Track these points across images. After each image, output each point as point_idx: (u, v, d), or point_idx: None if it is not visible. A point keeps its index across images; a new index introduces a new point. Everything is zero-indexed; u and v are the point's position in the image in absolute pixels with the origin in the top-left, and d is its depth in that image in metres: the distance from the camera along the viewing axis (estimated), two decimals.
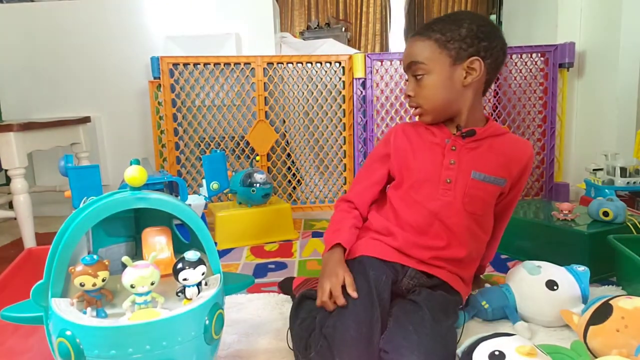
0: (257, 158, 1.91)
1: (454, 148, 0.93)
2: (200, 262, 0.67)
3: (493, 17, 3.45)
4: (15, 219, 1.56)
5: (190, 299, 0.66)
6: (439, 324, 0.80)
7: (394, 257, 0.91)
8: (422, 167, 0.94)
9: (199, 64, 1.90)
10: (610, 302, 0.82)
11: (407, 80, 0.97)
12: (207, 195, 1.51)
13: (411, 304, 0.84)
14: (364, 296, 0.80)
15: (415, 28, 5.03)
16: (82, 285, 0.63)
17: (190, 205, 1.18)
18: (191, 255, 0.67)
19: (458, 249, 0.92)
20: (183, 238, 0.88)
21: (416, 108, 0.95)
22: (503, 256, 1.35)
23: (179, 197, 1.29)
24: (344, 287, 0.83)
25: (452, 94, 0.92)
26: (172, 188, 1.40)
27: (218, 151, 1.54)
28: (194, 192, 1.47)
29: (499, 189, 0.93)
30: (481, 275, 1.13)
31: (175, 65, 1.90)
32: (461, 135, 0.93)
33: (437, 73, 0.90)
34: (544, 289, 0.92)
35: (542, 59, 1.97)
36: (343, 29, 4.90)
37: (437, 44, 0.90)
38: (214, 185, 1.49)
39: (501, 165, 0.93)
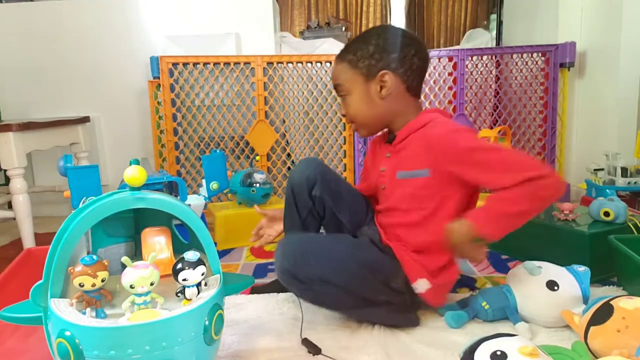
0: (257, 158, 1.90)
1: (388, 155, 1.03)
2: (199, 262, 0.66)
3: (493, 17, 3.44)
4: (14, 219, 1.56)
5: (190, 300, 0.66)
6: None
7: None
8: (373, 177, 1.08)
9: (198, 63, 1.90)
10: (611, 302, 0.81)
11: None
12: (206, 195, 1.50)
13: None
14: None
15: (416, 28, 5.03)
16: (81, 285, 0.63)
17: (189, 205, 1.18)
18: (191, 255, 0.66)
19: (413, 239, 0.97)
20: (183, 238, 0.87)
21: (350, 124, 1.05)
22: (504, 256, 1.35)
23: (178, 197, 1.29)
24: None
25: (375, 108, 0.99)
26: (171, 188, 1.40)
27: (218, 151, 1.54)
28: (194, 192, 1.47)
29: (426, 179, 0.94)
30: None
31: (175, 64, 1.89)
32: (386, 142, 1.04)
33: (355, 92, 0.99)
34: (544, 289, 0.92)
35: (542, 58, 1.96)
36: (343, 28, 4.89)
37: (350, 65, 0.98)
38: (214, 185, 1.48)
39: (420, 157, 0.95)
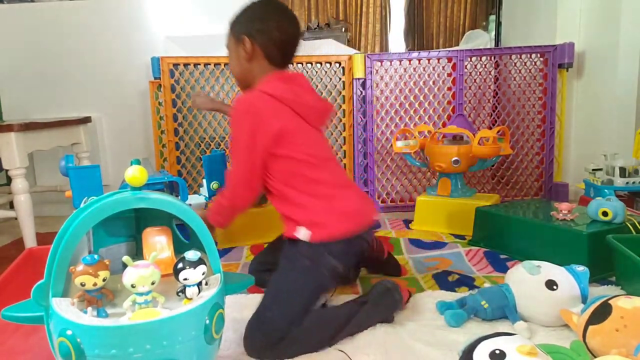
0: None
1: None
2: (200, 261, 0.67)
3: (492, 18, 3.44)
4: (15, 219, 1.57)
5: (191, 299, 0.67)
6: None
7: None
8: None
9: (199, 64, 1.90)
10: (610, 301, 0.82)
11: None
12: (207, 195, 1.50)
13: None
14: None
15: (415, 28, 5.03)
16: (82, 285, 0.63)
17: (190, 205, 1.18)
18: (191, 255, 0.67)
19: None
20: (183, 238, 0.88)
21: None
22: (502, 256, 1.35)
23: (179, 197, 1.30)
24: None
25: (242, 68, 1.12)
26: (172, 188, 1.41)
27: (218, 151, 1.55)
28: (194, 192, 1.48)
29: None
30: None
31: (176, 65, 1.90)
32: None
33: (230, 51, 1.13)
34: (543, 288, 0.93)
35: (541, 59, 1.97)
36: (343, 29, 4.90)
37: (230, 27, 1.14)
38: (214, 185, 1.49)
39: None
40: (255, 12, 1.11)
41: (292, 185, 1.03)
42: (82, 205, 0.71)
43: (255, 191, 1.06)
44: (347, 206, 1.03)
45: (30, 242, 1.56)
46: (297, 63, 1.97)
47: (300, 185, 1.03)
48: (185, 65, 1.90)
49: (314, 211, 1.01)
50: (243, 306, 1.07)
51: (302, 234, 0.98)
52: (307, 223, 0.99)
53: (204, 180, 1.53)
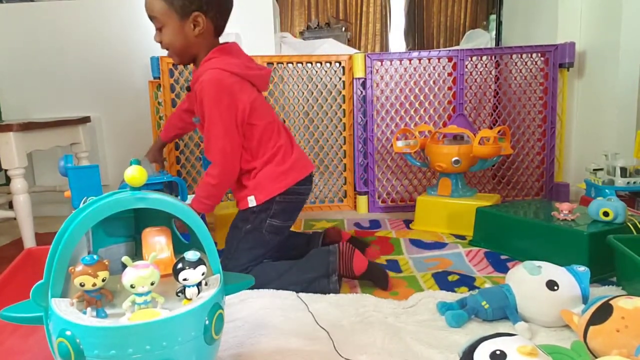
0: None
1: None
2: (200, 262, 0.67)
3: (493, 17, 3.44)
4: (15, 219, 1.56)
5: (190, 299, 0.66)
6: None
7: None
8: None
9: None
10: (611, 302, 0.82)
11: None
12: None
13: None
14: None
15: (416, 27, 5.03)
16: (82, 285, 0.63)
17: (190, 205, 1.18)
18: (191, 255, 0.66)
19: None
20: (183, 238, 0.88)
21: (167, 51, 1.16)
22: (503, 257, 1.35)
23: (178, 197, 1.29)
24: None
25: (187, 43, 1.13)
26: (171, 188, 1.40)
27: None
28: (193, 192, 1.46)
29: (200, 125, 1.17)
30: None
31: (175, 65, 1.90)
32: (187, 89, 1.22)
33: (170, 26, 1.11)
34: (544, 289, 0.92)
35: (542, 58, 1.97)
36: (343, 29, 4.90)
37: (166, 2, 1.09)
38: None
39: (196, 105, 1.15)
40: None
41: (256, 154, 1.18)
42: (81, 205, 0.71)
43: (239, 164, 1.17)
44: (287, 164, 1.20)
45: (29, 242, 1.56)
46: (297, 63, 1.97)
47: (265, 152, 1.18)
48: (185, 64, 1.90)
49: (263, 176, 1.19)
50: (243, 306, 1.06)
51: (250, 200, 1.18)
52: (254, 190, 1.18)
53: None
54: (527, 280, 0.95)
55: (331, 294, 1.11)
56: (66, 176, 1.20)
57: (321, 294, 1.10)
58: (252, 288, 1.07)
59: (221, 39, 1.21)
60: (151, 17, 1.13)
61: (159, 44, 1.16)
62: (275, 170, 1.19)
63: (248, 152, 1.18)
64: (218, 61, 1.12)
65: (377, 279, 1.16)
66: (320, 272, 1.12)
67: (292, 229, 1.33)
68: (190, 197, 1.41)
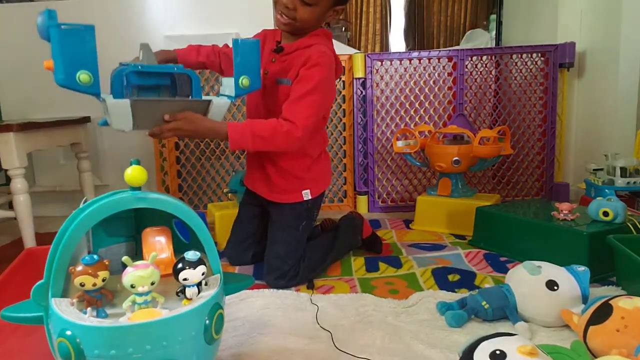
0: None
1: (273, 60, 1.21)
2: (200, 262, 0.67)
3: (493, 17, 3.45)
4: (15, 219, 1.56)
5: (190, 299, 0.66)
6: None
7: None
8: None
9: None
10: (610, 302, 0.82)
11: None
12: (233, 95, 1.09)
13: None
14: None
15: (416, 27, 5.03)
16: (82, 285, 0.63)
17: (212, 103, 1.05)
18: (191, 255, 0.67)
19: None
20: (183, 238, 0.88)
21: (285, 18, 1.13)
22: (503, 258, 1.35)
23: (190, 95, 1.05)
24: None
25: (317, 25, 1.16)
26: (174, 84, 1.08)
27: (249, 39, 1.13)
28: (218, 94, 1.15)
29: (287, 88, 1.16)
30: None
31: None
32: (276, 51, 1.20)
33: (322, 6, 1.11)
34: (544, 289, 0.92)
35: (542, 59, 1.97)
36: (343, 28, 4.90)
37: None
38: (244, 80, 1.08)
39: (292, 69, 1.16)
40: None
41: (315, 143, 1.22)
42: (81, 204, 0.71)
43: (307, 142, 1.16)
44: (329, 158, 1.30)
45: (29, 242, 1.55)
46: None
47: (321, 143, 1.25)
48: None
49: (319, 169, 1.25)
50: (243, 306, 1.06)
51: (305, 194, 1.22)
52: (311, 183, 1.22)
53: (224, 79, 1.14)
54: (527, 280, 0.95)
55: (331, 294, 1.12)
56: (47, 39, 0.93)
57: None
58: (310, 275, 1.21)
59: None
60: None
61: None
62: (327, 164, 1.30)
63: (312, 139, 1.19)
64: (324, 43, 1.18)
65: (374, 245, 1.41)
66: (354, 236, 1.39)
67: None
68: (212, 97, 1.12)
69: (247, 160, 1.36)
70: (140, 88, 1.00)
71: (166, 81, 1.04)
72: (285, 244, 1.22)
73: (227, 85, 1.10)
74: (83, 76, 0.89)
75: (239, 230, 1.37)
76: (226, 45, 1.33)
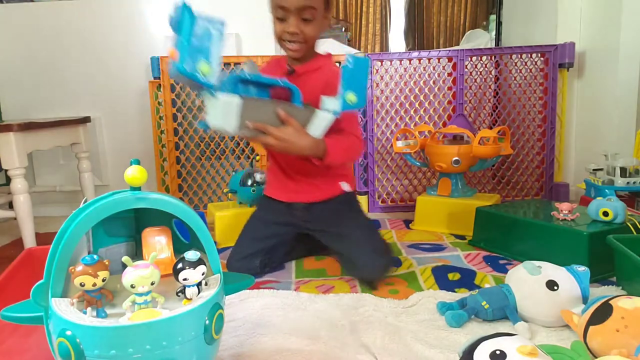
0: (257, 158, 1.90)
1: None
2: (200, 262, 0.67)
3: (493, 17, 3.44)
4: (15, 219, 1.56)
5: (190, 299, 0.66)
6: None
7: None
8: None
9: None
10: (610, 302, 0.82)
11: (280, 19, 1.14)
12: (337, 109, 1.08)
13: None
14: None
15: (416, 28, 5.02)
16: (82, 285, 0.63)
17: (316, 113, 1.06)
18: (191, 255, 0.67)
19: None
20: (183, 238, 0.88)
21: (296, 44, 1.15)
22: (502, 261, 1.35)
23: (292, 104, 1.06)
24: None
25: (319, 35, 1.18)
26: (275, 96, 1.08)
27: (360, 57, 1.11)
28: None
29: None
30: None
31: None
32: (288, 73, 1.20)
33: (319, 17, 1.13)
34: (544, 289, 0.92)
35: (542, 59, 1.97)
36: (343, 29, 4.90)
37: None
38: (352, 96, 1.07)
39: (309, 94, 1.10)
40: None
41: None
42: (81, 204, 0.71)
43: None
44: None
45: (29, 242, 1.56)
46: None
47: None
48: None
49: (348, 168, 1.36)
50: (243, 306, 1.06)
51: (346, 186, 1.28)
52: (346, 178, 1.29)
53: (325, 98, 1.10)
54: (527, 280, 0.95)
55: (331, 294, 1.12)
56: (177, 31, 0.96)
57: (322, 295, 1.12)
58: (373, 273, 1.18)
59: None
60: (303, 8, 1.10)
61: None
62: (351, 166, 1.41)
63: None
64: (328, 57, 1.26)
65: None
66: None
67: None
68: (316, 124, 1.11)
69: (272, 173, 1.35)
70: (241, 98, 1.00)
71: (265, 94, 1.05)
72: (363, 231, 1.23)
73: (330, 99, 1.08)
74: (204, 67, 0.90)
75: (249, 245, 1.29)
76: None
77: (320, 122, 1.06)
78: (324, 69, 1.21)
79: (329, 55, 1.27)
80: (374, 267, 1.16)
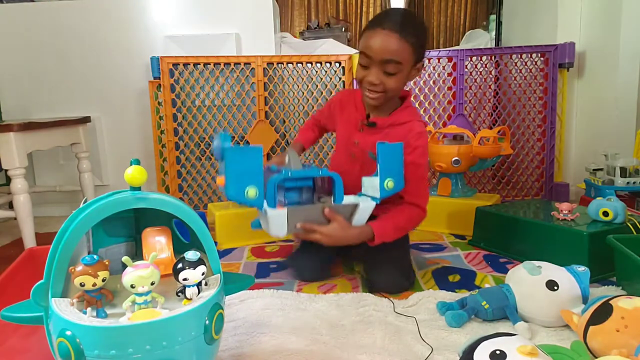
0: None
1: (361, 130, 1.21)
2: (200, 262, 0.67)
3: (493, 17, 3.44)
4: (15, 219, 1.56)
5: (190, 299, 0.66)
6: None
7: None
8: (340, 137, 1.28)
9: (199, 64, 1.90)
10: (610, 302, 0.82)
11: (363, 66, 1.10)
12: (378, 196, 1.11)
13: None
14: None
15: None
16: (82, 285, 0.63)
17: (358, 206, 1.08)
18: (191, 255, 0.67)
19: None
20: (183, 238, 0.88)
21: (375, 94, 1.10)
22: (502, 259, 1.35)
23: (333, 198, 1.08)
24: None
25: (401, 88, 1.13)
26: (314, 185, 1.12)
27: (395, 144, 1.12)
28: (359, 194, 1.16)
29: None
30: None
31: (175, 65, 1.90)
32: (367, 124, 1.18)
33: (404, 71, 1.08)
34: (544, 289, 0.92)
35: (542, 59, 1.97)
36: (343, 29, 4.90)
37: (413, 48, 1.05)
38: (389, 183, 1.10)
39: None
40: (425, 33, 1.11)
41: None
42: (81, 204, 0.71)
43: None
44: None
45: (29, 242, 1.56)
46: (297, 63, 1.97)
47: None
48: (185, 64, 1.90)
49: None
50: (244, 306, 1.06)
51: None
52: None
53: (366, 179, 1.15)
54: (527, 280, 0.95)
55: (331, 294, 1.12)
56: (221, 159, 0.98)
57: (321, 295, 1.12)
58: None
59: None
60: (387, 61, 1.05)
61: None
62: None
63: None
64: (414, 111, 1.20)
65: None
66: None
67: None
68: (357, 198, 1.15)
69: None
70: (286, 189, 1.06)
71: (308, 183, 1.10)
72: (396, 255, 1.19)
73: (370, 185, 1.12)
74: (251, 192, 0.97)
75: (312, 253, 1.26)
76: (317, 115, 1.41)
77: (362, 213, 1.09)
78: (407, 126, 1.15)
79: (414, 111, 1.19)
80: (395, 287, 1.13)
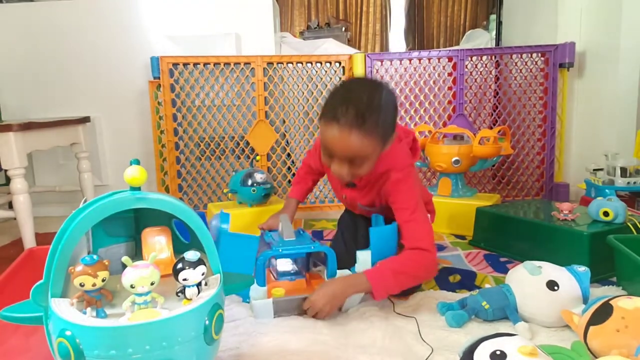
0: (257, 158, 1.91)
1: (346, 186, 1.20)
2: (200, 262, 0.67)
3: (493, 17, 3.44)
4: (15, 219, 1.56)
5: (190, 299, 0.66)
6: None
7: None
8: (331, 178, 1.26)
9: (198, 64, 1.90)
10: (611, 302, 0.82)
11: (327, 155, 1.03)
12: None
13: None
14: None
15: (416, 27, 5.02)
16: (82, 285, 0.63)
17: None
18: (191, 255, 0.67)
19: None
20: (183, 238, 0.88)
21: (346, 180, 1.05)
22: (502, 259, 1.35)
23: (326, 269, 1.06)
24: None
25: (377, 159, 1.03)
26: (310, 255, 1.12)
27: (384, 225, 1.13)
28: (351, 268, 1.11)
29: (376, 210, 1.18)
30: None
31: (175, 65, 1.90)
32: (348, 186, 1.18)
33: (372, 157, 0.99)
34: (544, 289, 0.92)
35: (542, 58, 1.97)
36: (343, 28, 4.90)
37: (377, 137, 0.95)
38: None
39: (373, 197, 1.15)
40: (390, 102, 0.98)
41: None
42: (81, 205, 0.71)
43: None
44: None
45: (29, 242, 1.55)
46: (297, 63, 1.97)
47: None
48: (185, 64, 1.90)
49: None
50: (243, 306, 1.06)
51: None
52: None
53: (360, 253, 1.10)
54: (527, 280, 0.95)
55: None
56: (217, 240, 0.97)
57: None
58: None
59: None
60: (351, 157, 0.97)
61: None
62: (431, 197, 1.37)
63: None
64: (392, 151, 1.06)
65: None
66: None
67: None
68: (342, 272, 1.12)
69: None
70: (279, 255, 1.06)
71: (302, 255, 1.10)
72: None
73: (363, 261, 1.08)
74: None
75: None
76: (308, 158, 1.38)
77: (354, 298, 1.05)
78: (385, 177, 1.09)
79: (392, 152, 1.06)
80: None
